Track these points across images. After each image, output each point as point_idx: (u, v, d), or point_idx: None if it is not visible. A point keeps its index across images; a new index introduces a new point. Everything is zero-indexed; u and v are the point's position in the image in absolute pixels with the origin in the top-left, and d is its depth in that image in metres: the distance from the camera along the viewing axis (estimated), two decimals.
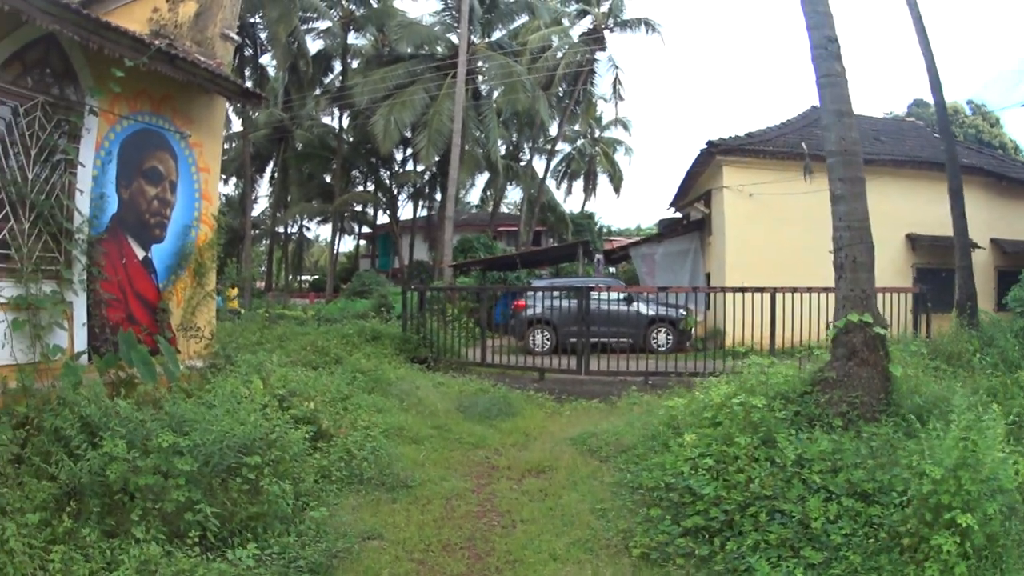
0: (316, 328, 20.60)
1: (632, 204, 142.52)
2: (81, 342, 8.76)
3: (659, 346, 20.11)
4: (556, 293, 19.66)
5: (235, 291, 29.66)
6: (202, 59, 10.74)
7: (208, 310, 11.67)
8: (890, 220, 20.14)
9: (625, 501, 7.89)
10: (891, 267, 21.41)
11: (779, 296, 15.39)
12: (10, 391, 7.16)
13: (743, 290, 15.85)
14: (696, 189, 29.13)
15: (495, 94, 41.81)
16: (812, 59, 9.05)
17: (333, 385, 12.03)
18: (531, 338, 20.54)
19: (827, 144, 8.86)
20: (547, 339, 20.40)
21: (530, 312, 20.62)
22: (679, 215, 34.78)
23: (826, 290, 13.11)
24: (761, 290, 15.68)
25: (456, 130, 33.57)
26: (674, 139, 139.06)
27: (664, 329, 20.63)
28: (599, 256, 37.83)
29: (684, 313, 20.39)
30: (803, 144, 22.43)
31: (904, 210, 23.09)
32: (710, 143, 24.08)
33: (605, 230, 64.27)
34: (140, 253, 10.13)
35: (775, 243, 22.53)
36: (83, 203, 8.82)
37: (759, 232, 23.01)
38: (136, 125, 9.89)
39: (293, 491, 7.17)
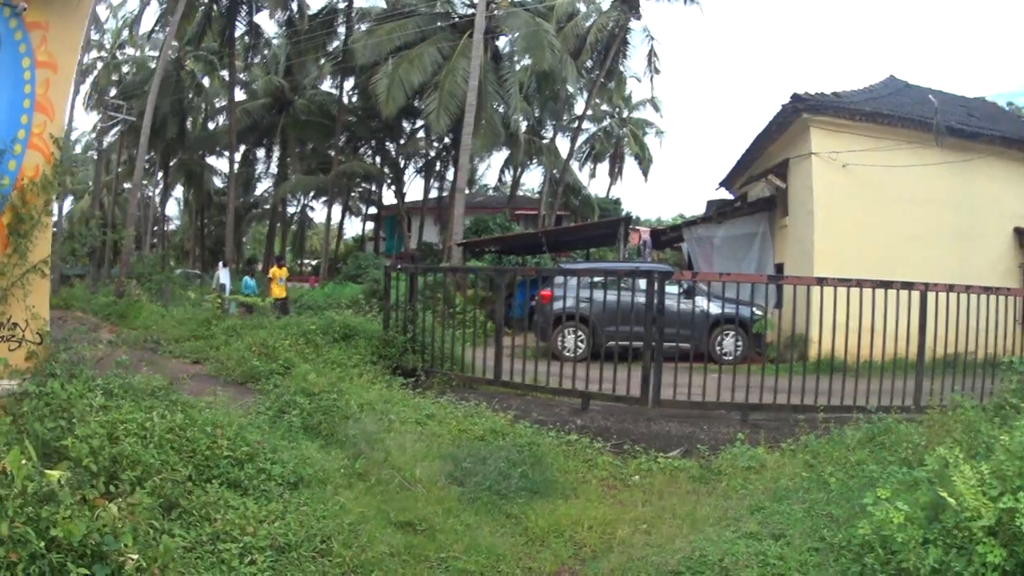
0: (275, 320, 16.13)
1: (660, 193, 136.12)
2: None
3: (725, 354, 16.13)
4: (600, 279, 14.70)
5: (283, 272, 24.47)
6: None
7: (36, 295, 7.91)
8: (994, 210, 18.78)
9: None
10: (998, 266, 18.82)
11: (905, 294, 11.14)
12: None
13: (886, 285, 10.88)
14: (765, 160, 24.34)
15: (517, 60, 37.80)
16: None
17: (231, 428, 7.17)
18: (559, 339, 16.13)
19: None
20: (581, 341, 16.01)
21: (559, 305, 15.47)
22: (730, 196, 30.46)
23: (989, 291, 11.19)
24: (909, 286, 10.98)
25: (472, 87, 29.06)
26: (708, 125, 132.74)
27: (732, 332, 16.43)
28: (646, 238, 32.68)
29: (758, 312, 15.30)
30: (931, 97, 18.55)
31: (1011, 199, 19.48)
32: (795, 97, 19.42)
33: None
34: None
35: (873, 227, 18.58)
36: None
37: (854, 213, 18.77)
38: None
39: None
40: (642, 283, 11.25)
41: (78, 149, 59.03)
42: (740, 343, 16.50)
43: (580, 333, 16.10)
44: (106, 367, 8.56)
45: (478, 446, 8.79)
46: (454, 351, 12.88)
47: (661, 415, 10.69)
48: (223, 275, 26.60)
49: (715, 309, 15.43)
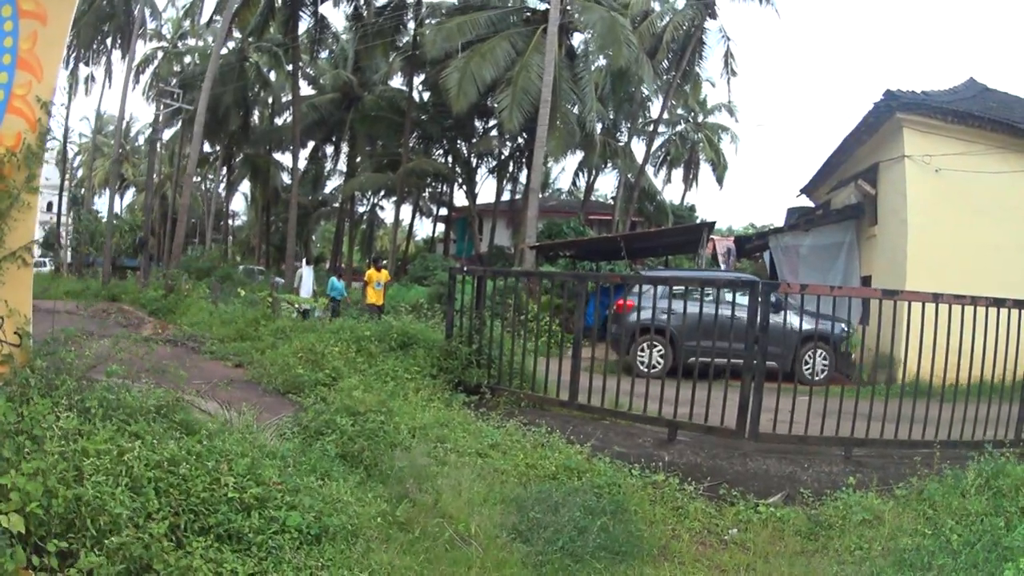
0: (328, 323, 15.04)
1: (734, 200, 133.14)
2: None
3: (811, 374, 14.67)
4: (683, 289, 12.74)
5: (383, 276, 20.98)
6: None
7: (15, 287, 6.46)
8: None
9: None
10: None
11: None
12: None
13: (999, 303, 9.49)
14: (852, 164, 22.85)
15: (592, 56, 36.31)
16: None
17: (242, 460, 5.66)
18: (638, 354, 14.48)
19: None
20: (660, 356, 14.87)
21: (639, 316, 13.98)
22: (812, 204, 28.49)
23: None
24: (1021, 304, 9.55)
25: (547, 82, 27.59)
26: (782, 130, 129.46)
27: (821, 351, 15.01)
28: (730, 246, 30.72)
29: (848, 329, 13.73)
30: None
31: None
32: (888, 94, 18.01)
33: None
34: None
35: (965, 238, 17.06)
36: None
37: (947, 221, 17.30)
38: None
39: None
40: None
41: (140, 141, 59.07)
42: (827, 362, 15.10)
43: (660, 348, 14.84)
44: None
45: (549, 488, 7.20)
46: (524, 366, 11.08)
47: (757, 449, 9.00)
48: (306, 274, 23.65)
49: (804, 324, 13.71)
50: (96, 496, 4.31)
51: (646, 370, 13.82)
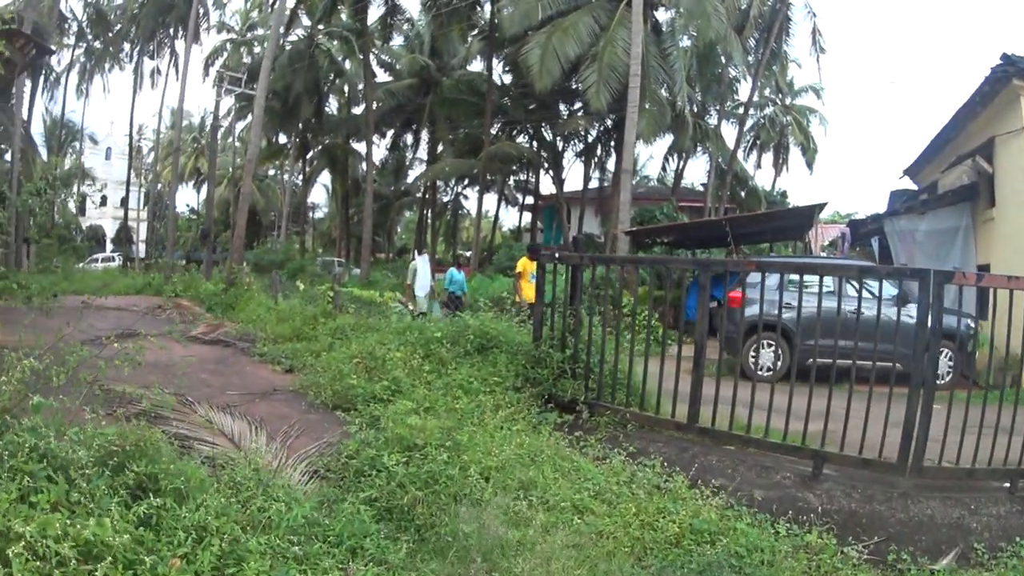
0: (396, 322, 13.15)
1: (824, 185, 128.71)
2: None
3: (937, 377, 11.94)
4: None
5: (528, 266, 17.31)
6: None
7: None
8: None
9: None
10: None
11: None
12: None
13: None
14: (963, 141, 21.22)
15: (680, 30, 34.09)
16: None
17: (214, 542, 3.87)
18: (752, 354, 13.03)
19: None
20: (777, 357, 13.11)
21: (754, 310, 11.54)
22: (915, 187, 26.67)
23: None
24: None
25: (635, 55, 25.43)
26: (871, 113, 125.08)
27: (945, 350, 12.69)
28: (844, 230, 28.33)
29: (974, 325, 12.30)
30: None
31: None
32: (1005, 58, 16.73)
33: None
34: None
35: None
36: None
37: None
38: None
39: None
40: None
41: (218, 135, 58.92)
42: (951, 362, 13.01)
43: (773, 345, 13.04)
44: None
45: (674, 563, 5.17)
46: (631, 377, 8.78)
47: (914, 485, 6.89)
48: (420, 266, 19.94)
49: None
50: None
51: (761, 373, 12.34)
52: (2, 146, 30.39)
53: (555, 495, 5.95)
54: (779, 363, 12.96)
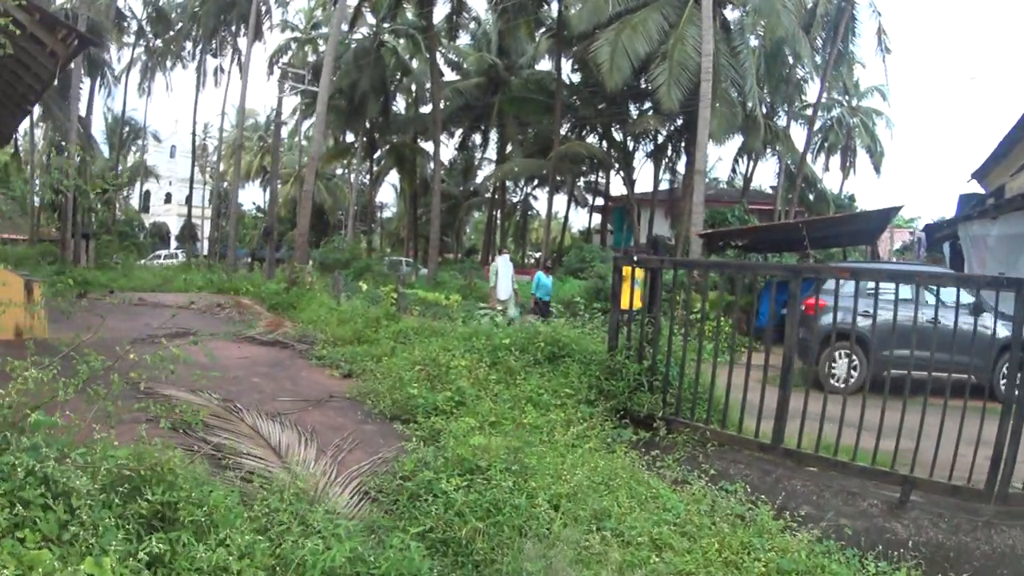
0: (463, 325, 12.52)
1: (891, 190, 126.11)
2: None
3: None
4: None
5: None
6: None
7: None
8: None
9: None
10: None
11: None
12: None
13: None
14: None
15: (748, 25, 33.48)
16: None
17: None
18: (828, 365, 12.06)
19: None
20: (853, 368, 11.90)
21: (831, 318, 10.41)
22: (982, 190, 26.42)
23: None
24: None
25: (706, 52, 24.89)
26: (936, 115, 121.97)
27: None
28: (920, 234, 27.32)
29: None
30: None
31: None
32: None
33: None
34: None
35: None
36: None
37: None
38: None
39: None
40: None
41: (284, 133, 59.08)
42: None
43: (849, 355, 11.89)
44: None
45: None
46: (713, 392, 8.03)
47: (996, 513, 6.23)
48: (502, 267, 18.48)
49: (1002, 330, 10.22)
50: None
51: (837, 384, 11.49)
52: (62, 142, 30.78)
53: (631, 528, 5.22)
54: (855, 374, 12.01)
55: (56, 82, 15.73)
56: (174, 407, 6.11)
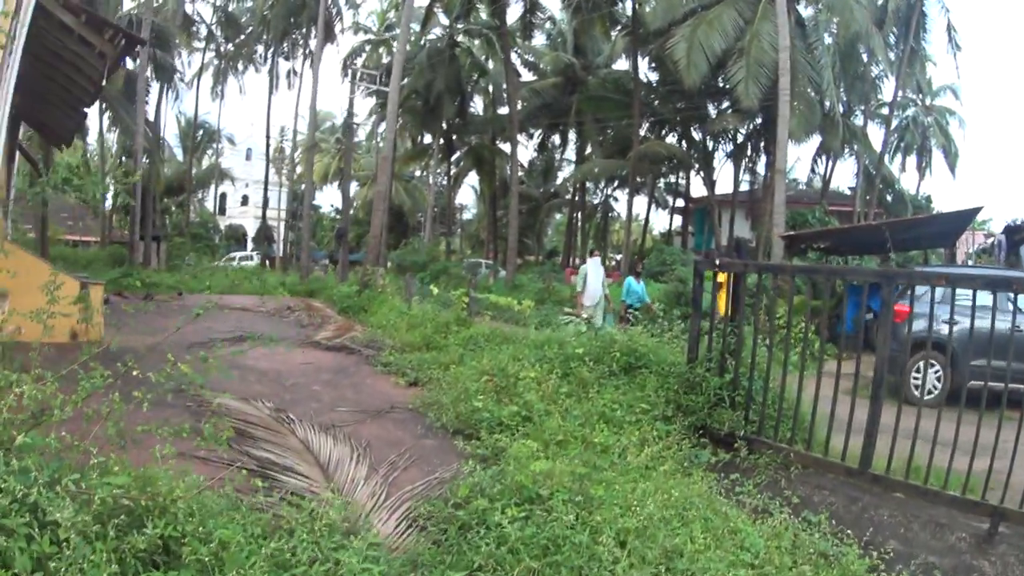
0: (536, 332, 12.23)
1: (966, 190, 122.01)
2: None
3: None
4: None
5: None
6: None
7: None
8: None
9: None
10: None
11: None
12: None
13: None
14: None
15: (823, 22, 33.85)
16: None
17: None
18: (913, 376, 11.16)
19: None
20: (937, 379, 11.45)
21: (920, 326, 10.47)
22: None
23: None
24: None
25: (783, 47, 24.79)
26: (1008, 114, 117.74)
27: None
28: (999, 237, 26.27)
29: None
30: None
31: None
32: None
33: None
34: None
35: None
36: None
37: None
38: None
39: None
40: None
41: (362, 135, 59.26)
42: None
43: (937, 369, 11.36)
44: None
45: None
46: (799, 409, 7.18)
47: None
48: (592, 270, 17.20)
49: None
50: None
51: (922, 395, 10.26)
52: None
53: (704, 569, 4.52)
54: (940, 386, 11.26)
55: (123, 87, 15.84)
56: (221, 417, 5.71)
